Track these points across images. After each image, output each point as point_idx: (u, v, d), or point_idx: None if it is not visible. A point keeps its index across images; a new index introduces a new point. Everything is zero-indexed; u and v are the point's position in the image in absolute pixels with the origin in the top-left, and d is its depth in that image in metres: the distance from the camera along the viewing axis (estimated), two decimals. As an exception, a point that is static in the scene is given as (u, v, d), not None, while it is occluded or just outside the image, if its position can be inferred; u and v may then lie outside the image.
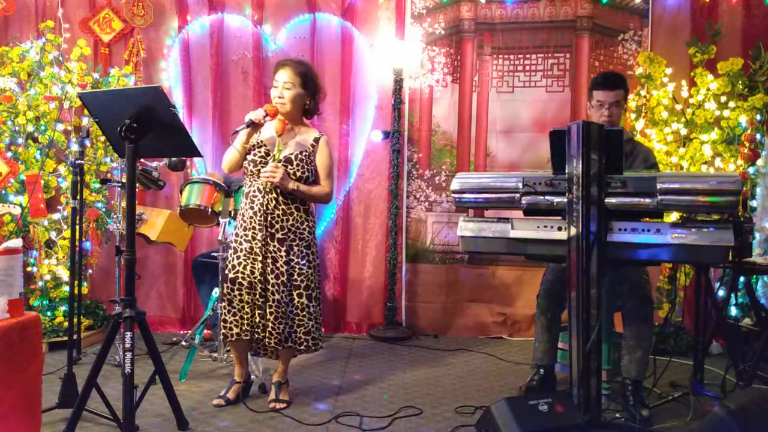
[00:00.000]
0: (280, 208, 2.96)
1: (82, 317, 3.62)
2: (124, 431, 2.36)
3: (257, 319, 2.96)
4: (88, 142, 4.12)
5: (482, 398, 3.21)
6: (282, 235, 2.96)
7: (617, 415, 2.89)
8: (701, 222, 2.58)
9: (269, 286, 2.95)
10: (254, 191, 2.99)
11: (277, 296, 2.94)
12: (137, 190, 2.89)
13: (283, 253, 2.95)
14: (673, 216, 3.13)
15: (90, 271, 4.40)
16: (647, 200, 2.43)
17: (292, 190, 2.93)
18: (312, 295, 3.01)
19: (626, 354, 2.98)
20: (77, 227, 3.13)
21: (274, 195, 2.95)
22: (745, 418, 2.10)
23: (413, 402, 3.15)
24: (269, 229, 2.95)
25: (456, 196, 2.78)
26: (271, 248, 2.95)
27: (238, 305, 2.98)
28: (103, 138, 4.05)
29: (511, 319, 4.58)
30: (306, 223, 3.02)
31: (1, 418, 2.02)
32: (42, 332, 2.51)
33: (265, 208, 2.95)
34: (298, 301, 2.97)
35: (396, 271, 4.57)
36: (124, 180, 3.18)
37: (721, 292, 3.73)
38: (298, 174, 2.96)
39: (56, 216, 4.11)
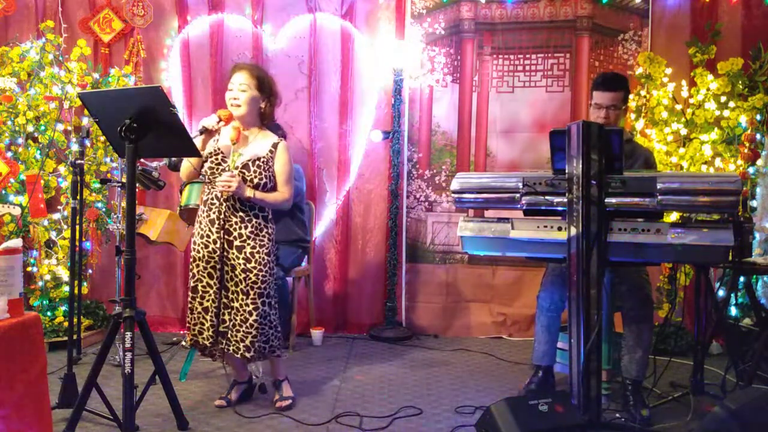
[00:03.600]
0: (237, 215, 2.90)
1: (82, 317, 3.61)
2: (124, 431, 2.36)
3: (219, 327, 2.92)
4: (88, 142, 4.12)
5: (482, 398, 3.21)
6: (240, 242, 2.90)
7: (617, 415, 2.89)
8: (701, 222, 2.58)
9: (229, 294, 2.91)
10: (212, 198, 2.93)
11: (236, 304, 2.90)
12: (137, 190, 2.89)
13: (241, 261, 2.89)
14: (673, 216, 3.14)
15: (90, 271, 4.40)
16: (647, 200, 2.43)
17: (248, 198, 2.87)
18: (271, 302, 2.96)
19: (626, 354, 2.98)
20: (77, 227, 3.12)
21: (232, 202, 2.89)
22: (745, 418, 2.10)
23: (413, 402, 3.16)
24: (227, 237, 2.91)
25: (456, 196, 2.77)
26: (230, 256, 2.90)
27: (198, 314, 2.95)
28: (103, 138, 4.05)
29: (511, 319, 4.58)
30: (265, 230, 2.95)
31: (4, 417, 2.02)
32: (43, 332, 2.51)
33: (223, 215, 2.90)
34: (262, 309, 2.90)
35: (396, 271, 4.57)
36: (124, 180, 3.18)
37: (721, 292, 3.73)
38: (255, 181, 2.89)
39: (56, 216, 4.11)
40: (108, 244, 4.39)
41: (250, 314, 2.88)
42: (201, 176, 3.01)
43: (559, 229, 2.55)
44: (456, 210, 4.56)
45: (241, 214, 2.91)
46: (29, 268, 4.01)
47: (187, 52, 4.64)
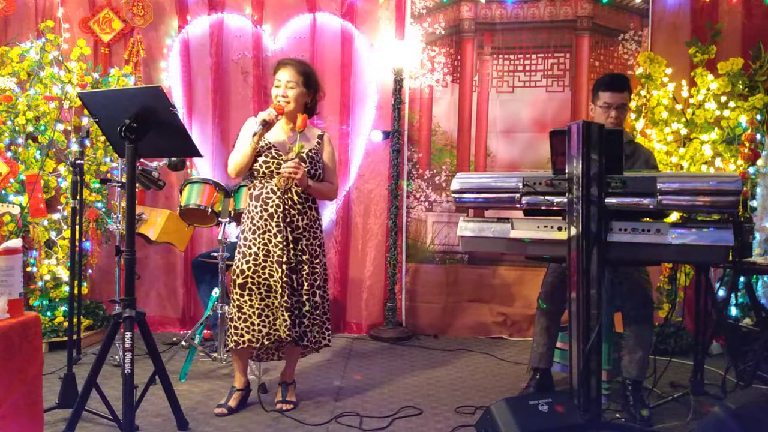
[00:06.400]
0: (296, 208, 2.96)
1: (82, 317, 3.61)
2: (124, 431, 2.36)
3: (278, 321, 2.90)
4: (88, 142, 4.13)
5: (482, 398, 3.21)
6: (298, 234, 2.96)
7: (617, 415, 2.89)
8: (701, 222, 2.58)
9: (290, 288, 2.91)
10: (267, 193, 2.95)
11: (296, 297, 2.93)
12: (137, 190, 2.89)
13: (299, 253, 2.96)
14: (673, 216, 3.13)
15: (90, 271, 4.40)
16: (647, 200, 2.42)
17: (308, 187, 2.95)
18: (324, 294, 3.04)
19: (626, 354, 2.98)
20: (77, 227, 3.12)
21: (290, 195, 2.94)
22: (745, 418, 2.10)
23: (413, 402, 3.16)
24: (287, 230, 2.94)
25: (456, 196, 2.77)
26: (289, 248, 2.94)
27: (248, 311, 2.92)
28: (103, 138, 4.05)
29: (511, 319, 4.58)
30: (317, 222, 3.06)
31: (1, 418, 2.02)
32: (42, 332, 2.51)
33: (282, 209, 2.93)
34: (314, 300, 2.98)
35: (396, 271, 4.57)
36: (124, 180, 3.18)
37: (721, 292, 3.73)
38: (311, 172, 2.97)
39: (56, 216, 4.11)
40: (108, 244, 4.39)
41: (303, 305, 2.94)
42: (253, 171, 2.99)
43: (559, 229, 2.55)
44: (456, 210, 4.56)
45: (298, 206, 2.97)
46: (29, 268, 4.01)
47: (187, 52, 4.64)
